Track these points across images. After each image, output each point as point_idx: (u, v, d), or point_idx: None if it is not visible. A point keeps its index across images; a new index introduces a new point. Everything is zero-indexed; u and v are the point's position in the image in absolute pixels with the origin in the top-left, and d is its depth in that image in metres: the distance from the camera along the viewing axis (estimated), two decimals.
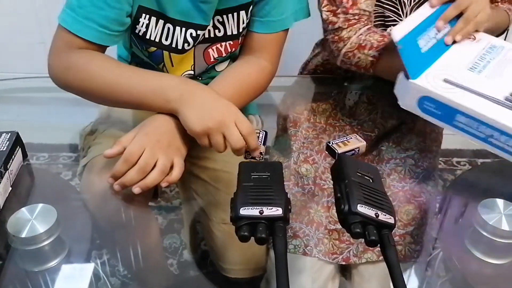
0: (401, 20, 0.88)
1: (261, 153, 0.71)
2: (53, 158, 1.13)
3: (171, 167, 0.66)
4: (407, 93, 0.74)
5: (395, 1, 0.86)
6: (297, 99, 1.03)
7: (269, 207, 0.53)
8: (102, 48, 0.73)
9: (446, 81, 0.73)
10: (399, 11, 0.88)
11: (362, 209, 0.52)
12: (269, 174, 0.61)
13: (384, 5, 0.87)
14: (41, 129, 1.01)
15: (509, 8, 0.96)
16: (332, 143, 0.78)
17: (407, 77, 0.72)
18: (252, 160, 0.71)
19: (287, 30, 0.83)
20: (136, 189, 0.63)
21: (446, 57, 0.78)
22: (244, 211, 0.53)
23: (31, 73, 1.44)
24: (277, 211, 0.53)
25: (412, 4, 0.87)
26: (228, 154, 0.69)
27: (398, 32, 0.72)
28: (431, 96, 0.71)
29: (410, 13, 0.89)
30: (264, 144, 0.73)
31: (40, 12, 1.53)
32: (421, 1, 0.86)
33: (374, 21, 0.90)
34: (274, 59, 0.84)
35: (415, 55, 0.74)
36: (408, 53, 0.73)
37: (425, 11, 0.78)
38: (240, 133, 0.66)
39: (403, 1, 0.86)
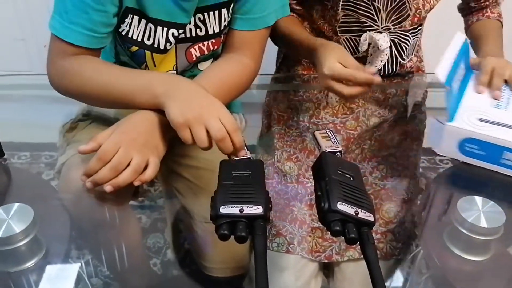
0: (376, 25, 0.89)
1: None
2: (35, 157, 1.12)
3: (146, 166, 0.65)
4: (445, 138, 0.72)
5: (369, 6, 0.87)
6: (280, 97, 1.03)
7: (249, 206, 0.53)
8: (94, 52, 0.74)
9: (482, 120, 0.73)
10: (374, 16, 0.88)
11: (341, 207, 0.52)
12: (250, 172, 0.61)
13: (359, 11, 0.87)
14: (23, 127, 0.99)
15: (499, 14, 0.98)
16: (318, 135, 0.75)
17: (440, 121, 0.72)
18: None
19: (269, 27, 0.82)
20: (107, 187, 0.62)
21: (468, 98, 0.78)
22: (224, 210, 0.53)
23: (11, 71, 1.41)
24: (257, 209, 0.53)
25: (388, 10, 0.87)
26: (211, 152, 0.69)
27: (441, 71, 0.71)
28: (474, 137, 0.70)
29: (385, 20, 0.89)
30: (247, 148, 0.72)
31: (20, 7, 1.50)
32: (395, 7, 0.87)
33: (350, 27, 0.90)
34: (256, 56, 0.83)
35: (451, 97, 0.74)
36: (448, 96, 0.72)
37: (455, 47, 0.79)
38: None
39: (377, 6, 0.87)
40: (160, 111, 0.67)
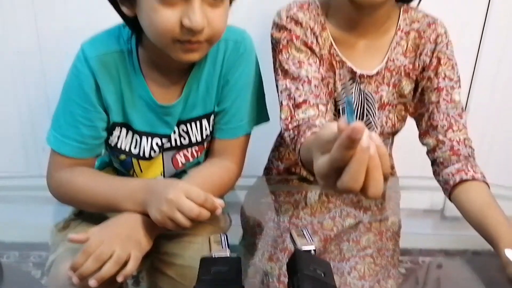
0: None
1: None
2: (24, 256, 1.14)
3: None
4: None
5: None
6: (261, 199, 1.09)
7: None
8: (87, 160, 0.83)
9: None
10: None
11: None
12: (228, 269, 0.65)
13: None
14: (14, 227, 1.03)
15: (482, 174, 0.89)
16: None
17: None
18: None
19: (248, 134, 0.91)
20: (91, 282, 0.66)
21: None
22: None
23: (7, 172, 1.48)
24: None
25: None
26: (196, 250, 0.74)
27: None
28: None
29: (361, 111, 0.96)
30: (228, 246, 0.77)
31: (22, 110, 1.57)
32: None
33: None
34: (238, 160, 0.91)
35: None
36: None
37: None
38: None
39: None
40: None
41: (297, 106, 0.87)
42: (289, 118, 0.87)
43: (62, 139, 0.80)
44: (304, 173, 1.08)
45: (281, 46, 0.91)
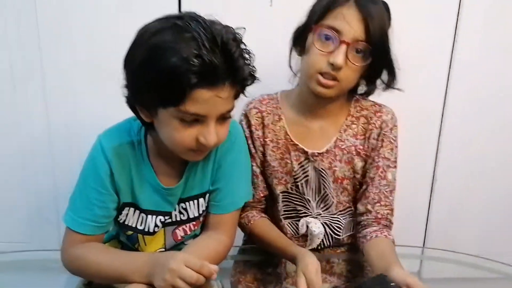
0: (310, 212, 1.15)
1: None
2: None
3: None
4: None
5: (301, 199, 1.15)
6: (245, 268, 1.19)
7: None
8: (98, 236, 0.95)
9: None
10: (306, 205, 1.15)
11: None
12: None
13: (295, 202, 1.15)
14: None
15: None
16: None
17: None
18: None
19: (239, 209, 1.05)
20: None
21: None
22: None
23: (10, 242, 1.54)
24: None
25: (316, 200, 1.15)
26: None
27: None
28: None
29: (315, 208, 1.15)
30: None
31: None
32: (321, 198, 1.14)
33: (290, 214, 1.17)
34: (230, 233, 1.03)
35: None
36: None
37: None
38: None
39: (307, 198, 1.14)
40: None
41: None
42: None
43: (77, 219, 0.93)
44: None
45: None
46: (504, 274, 1.23)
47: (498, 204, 1.65)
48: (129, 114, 0.92)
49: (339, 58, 0.96)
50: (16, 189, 1.51)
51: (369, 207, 1.10)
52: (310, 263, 0.95)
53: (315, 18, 1.00)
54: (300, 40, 1.05)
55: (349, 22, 0.95)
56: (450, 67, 1.50)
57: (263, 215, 1.17)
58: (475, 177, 1.61)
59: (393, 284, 0.85)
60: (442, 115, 1.55)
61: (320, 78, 0.99)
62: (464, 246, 1.41)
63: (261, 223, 1.13)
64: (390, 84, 1.06)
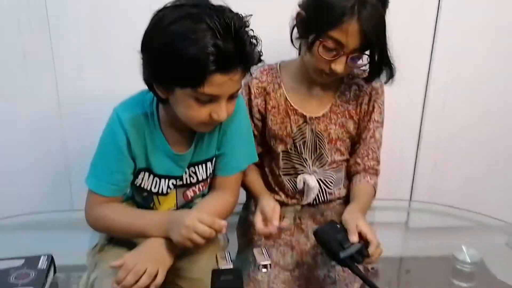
0: (307, 170, 1.31)
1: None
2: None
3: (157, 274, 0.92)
4: None
5: (299, 158, 1.29)
6: (248, 222, 1.30)
7: None
8: (117, 198, 1.06)
9: None
10: (304, 164, 1.30)
11: None
12: (232, 278, 0.90)
13: (293, 161, 1.30)
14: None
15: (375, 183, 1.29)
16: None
17: None
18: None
19: (242, 171, 1.16)
20: None
21: None
22: None
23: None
24: None
25: (312, 159, 1.29)
26: (202, 265, 0.98)
27: None
28: None
29: (312, 166, 1.30)
30: (231, 261, 1.01)
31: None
32: (317, 157, 1.29)
33: (289, 171, 1.32)
34: (234, 193, 1.15)
35: None
36: None
37: None
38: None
39: (305, 157, 1.29)
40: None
41: None
42: None
43: (99, 183, 1.04)
44: (278, 197, 1.36)
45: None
46: (478, 223, 1.40)
47: (480, 157, 1.76)
48: (138, 85, 1.00)
49: (339, 67, 1.10)
50: (29, 159, 1.61)
51: (358, 160, 1.30)
52: (267, 204, 1.11)
53: (324, 27, 1.07)
54: (303, 34, 1.14)
55: (351, 36, 1.05)
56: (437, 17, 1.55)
57: (254, 167, 1.31)
58: (459, 131, 1.71)
59: (338, 225, 1.06)
60: (429, 70, 1.62)
61: (322, 74, 1.15)
62: (447, 197, 1.56)
63: (247, 171, 1.25)
64: (389, 78, 1.16)
